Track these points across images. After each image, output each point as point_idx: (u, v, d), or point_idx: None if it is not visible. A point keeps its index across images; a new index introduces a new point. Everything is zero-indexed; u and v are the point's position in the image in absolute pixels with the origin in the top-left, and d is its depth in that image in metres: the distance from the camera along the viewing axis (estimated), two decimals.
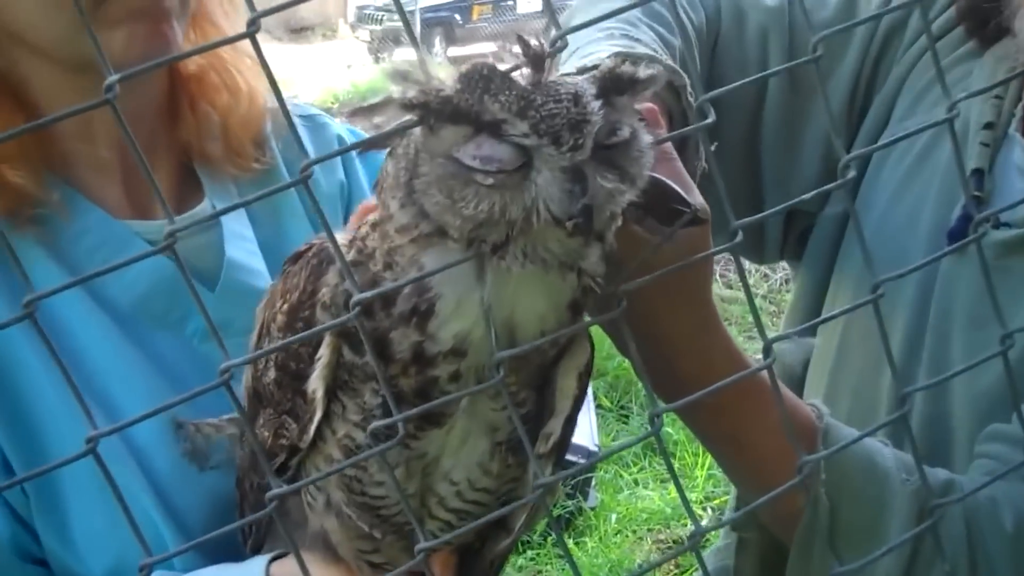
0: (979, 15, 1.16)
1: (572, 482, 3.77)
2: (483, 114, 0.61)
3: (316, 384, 0.76)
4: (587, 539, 3.81)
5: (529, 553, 3.68)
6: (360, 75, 12.24)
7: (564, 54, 0.67)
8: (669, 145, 0.81)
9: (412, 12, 12.77)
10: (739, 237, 0.66)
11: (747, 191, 1.28)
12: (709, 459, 3.94)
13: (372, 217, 0.74)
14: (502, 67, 0.63)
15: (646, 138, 0.68)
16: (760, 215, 0.72)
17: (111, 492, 0.58)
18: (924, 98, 1.19)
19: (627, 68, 0.66)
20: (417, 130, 0.64)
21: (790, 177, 1.27)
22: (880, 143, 1.20)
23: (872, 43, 1.24)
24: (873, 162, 1.24)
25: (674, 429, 3.95)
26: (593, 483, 4.04)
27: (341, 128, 1.28)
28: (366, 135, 0.70)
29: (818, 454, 0.84)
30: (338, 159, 1.25)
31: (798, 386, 1.30)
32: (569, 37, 0.64)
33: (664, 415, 0.68)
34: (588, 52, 0.99)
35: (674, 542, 3.87)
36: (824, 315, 1.27)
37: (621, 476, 4.18)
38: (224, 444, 0.96)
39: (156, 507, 0.99)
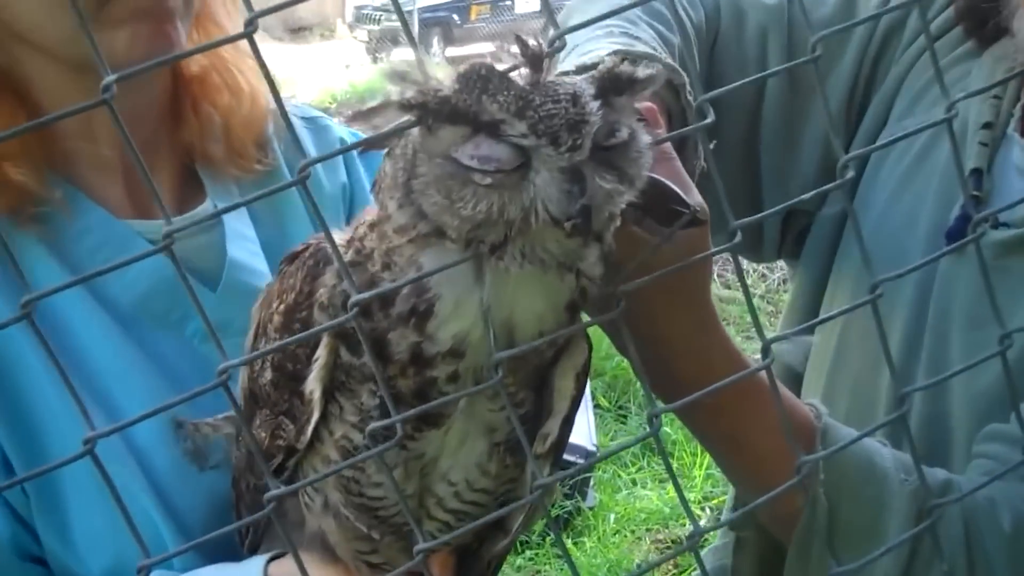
0: (977, 15, 1.16)
1: (570, 482, 3.77)
2: (481, 114, 0.61)
3: (313, 385, 0.76)
4: (585, 539, 3.81)
5: (528, 553, 3.68)
6: (358, 75, 12.24)
7: (563, 51, 0.67)
8: (668, 145, 0.81)
9: (410, 12, 12.78)
10: (738, 238, 0.65)
11: (745, 190, 1.28)
12: (707, 459, 3.94)
13: (370, 217, 0.74)
14: (500, 67, 0.62)
15: (645, 138, 0.68)
16: (759, 215, 0.72)
17: (110, 492, 0.58)
18: (923, 98, 1.19)
19: (626, 68, 0.66)
20: (415, 130, 0.64)
21: (789, 176, 1.27)
22: (879, 142, 1.20)
23: (871, 42, 1.24)
24: (872, 162, 1.24)
25: (672, 429, 3.95)
26: (591, 483, 4.04)
27: (343, 131, 1.28)
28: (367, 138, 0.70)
29: (817, 454, 0.84)
30: (341, 161, 1.25)
31: (796, 385, 1.30)
32: (568, 35, 0.64)
33: (662, 415, 0.68)
34: (587, 50, 0.99)
35: (672, 542, 3.87)
36: (822, 314, 1.27)
37: (619, 476, 4.19)
38: (222, 444, 0.96)
39: (156, 507, 0.99)
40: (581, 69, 0.90)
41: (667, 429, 3.86)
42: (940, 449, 1.10)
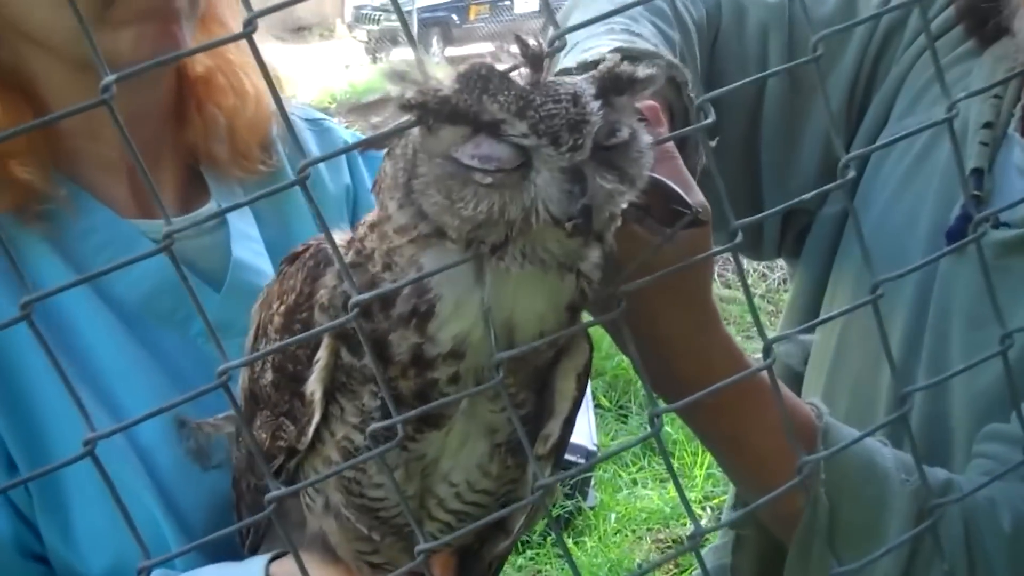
0: (978, 14, 1.16)
1: (571, 482, 3.77)
2: (482, 114, 0.61)
3: (314, 386, 0.76)
4: (586, 539, 3.81)
5: (528, 553, 3.68)
6: (357, 75, 12.24)
7: (564, 48, 0.67)
8: (671, 143, 0.81)
9: (409, 12, 12.77)
10: (739, 238, 0.65)
11: (746, 187, 1.28)
12: (708, 458, 3.94)
13: (370, 218, 0.73)
14: (500, 67, 0.62)
15: (646, 138, 0.68)
16: (760, 215, 0.72)
17: (110, 493, 0.58)
18: (923, 97, 1.19)
19: (626, 68, 0.66)
20: (415, 130, 0.64)
21: (789, 173, 1.27)
22: (879, 142, 1.20)
23: (871, 41, 1.24)
24: (872, 161, 1.24)
25: (673, 428, 3.95)
26: (592, 483, 4.04)
27: (347, 133, 1.29)
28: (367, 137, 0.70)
29: (818, 454, 0.84)
30: (344, 163, 1.25)
31: (797, 384, 1.30)
32: (568, 34, 0.64)
33: (663, 415, 0.68)
34: (589, 46, 0.99)
35: (673, 541, 3.87)
36: (823, 313, 1.27)
37: (620, 476, 4.19)
38: (224, 443, 0.96)
39: (158, 505, 0.99)
40: (583, 66, 0.90)
41: (668, 428, 3.86)
42: (940, 448, 1.10)
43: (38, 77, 1.01)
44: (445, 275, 0.66)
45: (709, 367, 0.88)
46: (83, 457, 0.55)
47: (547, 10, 0.67)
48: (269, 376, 0.82)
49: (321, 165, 1.20)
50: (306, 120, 1.26)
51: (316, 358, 0.75)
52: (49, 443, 0.97)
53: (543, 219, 0.63)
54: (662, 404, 0.72)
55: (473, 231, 0.64)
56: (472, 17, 14.90)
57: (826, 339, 1.26)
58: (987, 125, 1.11)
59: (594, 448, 3.80)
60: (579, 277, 0.69)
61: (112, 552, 0.98)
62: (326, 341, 0.75)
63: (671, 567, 3.57)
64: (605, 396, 4.69)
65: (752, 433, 0.93)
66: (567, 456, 0.86)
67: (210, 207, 1.12)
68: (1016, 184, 1.10)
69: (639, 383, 3.96)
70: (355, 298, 0.59)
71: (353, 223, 0.84)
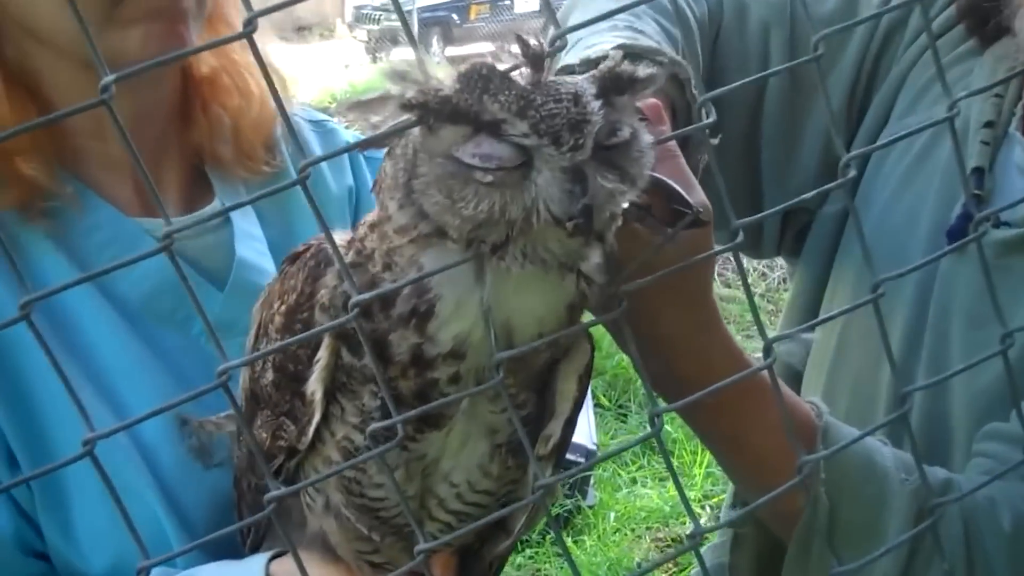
0: (979, 14, 1.15)
1: (571, 481, 3.77)
2: (482, 114, 0.61)
3: (315, 386, 0.76)
4: (586, 537, 3.81)
5: (528, 551, 3.68)
6: (358, 75, 12.23)
7: (566, 47, 0.67)
8: (673, 142, 0.81)
9: (410, 12, 12.77)
10: (740, 238, 0.65)
11: (746, 185, 1.28)
12: (708, 457, 3.94)
13: (370, 218, 0.73)
14: (501, 67, 0.62)
15: (647, 138, 0.67)
16: (761, 215, 0.72)
17: (109, 493, 0.58)
18: (924, 96, 1.19)
19: (627, 67, 0.65)
20: (416, 130, 0.64)
21: (789, 172, 1.27)
22: (880, 141, 1.19)
23: (872, 40, 1.24)
24: (873, 160, 1.24)
25: (673, 427, 3.95)
26: (592, 481, 4.04)
27: (350, 135, 1.29)
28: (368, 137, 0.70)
29: (818, 453, 0.84)
30: (347, 164, 1.26)
31: (796, 383, 1.30)
32: (568, 34, 0.63)
33: (663, 414, 0.68)
34: (592, 43, 0.99)
35: (673, 540, 3.87)
36: (823, 312, 1.27)
37: (619, 474, 4.19)
38: (226, 441, 0.96)
39: (160, 503, 0.99)
40: (586, 63, 0.90)
41: (668, 427, 3.83)
42: (940, 448, 1.10)
43: (44, 75, 1.01)
44: (445, 275, 0.66)
45: (709, 366, 0.87)
46: (82, 457, 0.55)
47: (548, 10, 0.67)
48: (270, 376, 0.82)
49: (324, 166, 1.21)
50: (309, 121, 1.26)
51: (317, 358, 0.75)
52: (51, 440, 0.97)
53: (544, 219, 0.63)
54: (662, 403, 0.72)
55: (474, 231, 0.64)
56: (472, 17, 14.90)
57: (826, 338, 1.26)
58: (988, 124, 1.11)
59: (594, 447, 3.80)
60: (580, 277, 0.69)
61: (113, 550, 0.98)
62: (326, 341, 0.75)
63: (670, 566, 3.56)
64: (605, 395, 4.69)
65: (752, 432, 0.93)
66: (567, 455, 0.86)
67: (214, 207, 1.12)
68: (1017, 183, 1.09)
69: (639, 382, 3.97)
70: (355, 298, 0.59)
71: (354, 223, 0.84)
